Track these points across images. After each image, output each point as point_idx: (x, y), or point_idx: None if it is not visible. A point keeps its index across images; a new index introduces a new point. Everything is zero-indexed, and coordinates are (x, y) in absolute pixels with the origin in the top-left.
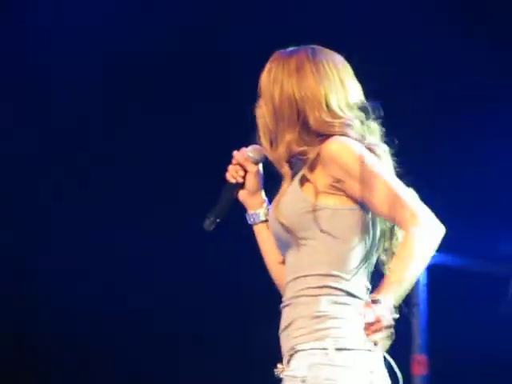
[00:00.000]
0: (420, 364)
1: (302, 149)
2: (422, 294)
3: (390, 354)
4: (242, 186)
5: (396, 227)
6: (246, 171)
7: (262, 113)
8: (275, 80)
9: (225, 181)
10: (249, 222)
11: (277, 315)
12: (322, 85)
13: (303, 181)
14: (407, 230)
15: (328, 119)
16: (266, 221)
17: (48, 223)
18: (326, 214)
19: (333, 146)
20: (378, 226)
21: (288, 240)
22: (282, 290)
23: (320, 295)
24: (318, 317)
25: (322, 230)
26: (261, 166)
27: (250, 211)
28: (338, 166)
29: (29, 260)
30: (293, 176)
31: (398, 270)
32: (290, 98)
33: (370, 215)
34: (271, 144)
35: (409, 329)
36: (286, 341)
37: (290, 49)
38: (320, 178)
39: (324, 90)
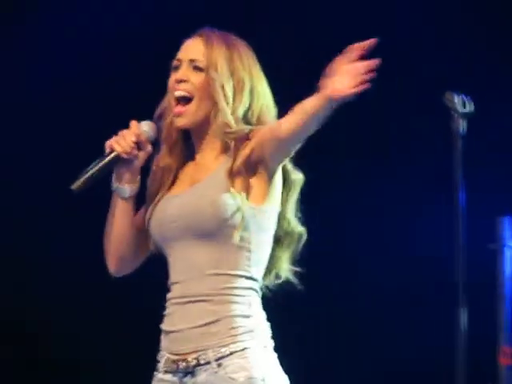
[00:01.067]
0: (506, 355)
1: (235, 135)
2: (508, 286)
3: (476, 344)
4: (127, 160)
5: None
6: (139, 149)
7: (209, 83)
8: (237, 61)
9: (103, 148)
10: (120, 194)
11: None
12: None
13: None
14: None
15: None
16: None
17: None
18: (252, 214)
19: None
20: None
21: (210, 233)
22: (115, 263)
23: (248, 296)
24: (250, 316)
25: (254, 232)
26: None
27: (126, 185)
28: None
29: None
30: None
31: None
32: (249, 88)
33: (272, 218)
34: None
35: (495, 321)
36: (206, 337)
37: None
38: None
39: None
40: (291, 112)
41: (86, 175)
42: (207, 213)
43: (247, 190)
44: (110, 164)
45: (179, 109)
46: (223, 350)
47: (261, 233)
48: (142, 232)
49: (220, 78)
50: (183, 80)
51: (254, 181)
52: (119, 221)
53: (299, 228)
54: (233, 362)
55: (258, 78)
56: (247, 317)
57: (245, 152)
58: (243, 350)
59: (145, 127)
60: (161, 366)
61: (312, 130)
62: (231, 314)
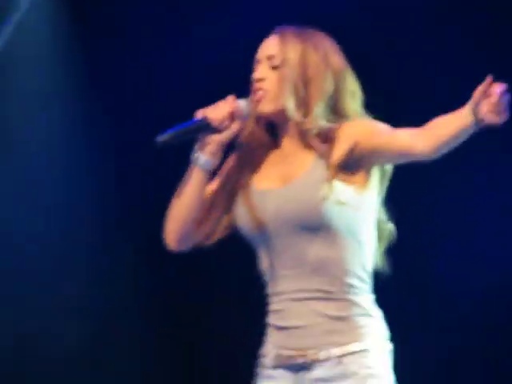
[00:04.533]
0: None
1: (328, 125)
2: None
3: None
4: (215, 130)
5: None
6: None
7: (294, 76)
8: (313, 54)
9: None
10: (199, 164)
11: None
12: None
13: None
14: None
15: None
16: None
17: None
18: (356, 206)
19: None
20: None
21: (317, 228)
22: (176, 237)
23: (368, 293)
24: (371, 316)
25: (361, 223)
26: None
27: (208, 156)
28: None
29: None
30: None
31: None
32: (328, 78)
33: (374, 206)
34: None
35: None
36: (329, 334)
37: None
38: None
39: None
40: (429, 127)
41: (173, 132)
42: (312, 209)
43: (348, 182)
44: (199, 128)
45: (258, 96)
46: (346, 348)
47: (367, 223)
48: (207, 210)
49: (291, 74)
50: (260, 79)
51: (354, 172)
52: (190, 192)
53: (389, 224)
54: (355, 360)
55: (338, 67)
56: (370, 316)
57: (343, 149)
58: (365, 350)
59: (242, 103)
60: (268, 361)
61: (448, 149)
62: (355, 313)
